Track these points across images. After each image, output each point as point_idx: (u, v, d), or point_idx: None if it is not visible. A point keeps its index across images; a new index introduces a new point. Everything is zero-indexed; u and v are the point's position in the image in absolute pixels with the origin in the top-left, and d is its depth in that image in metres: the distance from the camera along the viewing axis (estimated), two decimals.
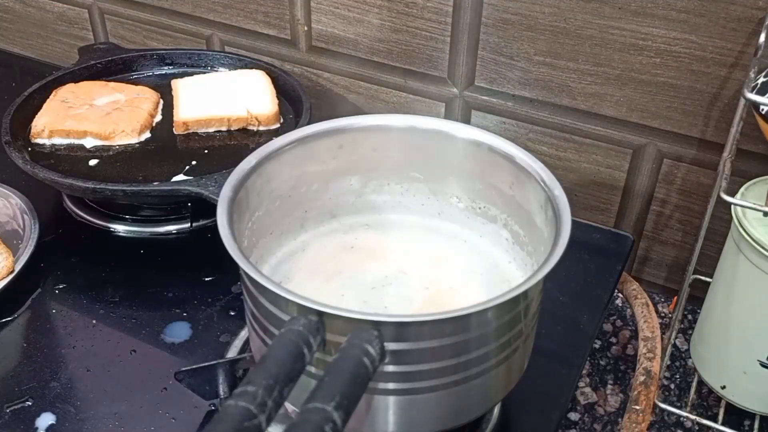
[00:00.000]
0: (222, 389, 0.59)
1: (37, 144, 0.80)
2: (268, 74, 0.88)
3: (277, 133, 0.82)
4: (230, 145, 0.81)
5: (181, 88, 0.86)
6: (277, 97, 0.85)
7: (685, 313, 0.79)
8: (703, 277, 0.73)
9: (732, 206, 0.62)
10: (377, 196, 0.64)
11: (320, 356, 0.46)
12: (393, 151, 0.62)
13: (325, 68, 0.92)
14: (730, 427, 0.67)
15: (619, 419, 0.68)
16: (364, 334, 0.44)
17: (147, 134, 0.81)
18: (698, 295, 0.73)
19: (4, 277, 0.69)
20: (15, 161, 0.75)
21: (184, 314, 0.69)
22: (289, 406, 0.55)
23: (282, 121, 0.84)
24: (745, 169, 0.71)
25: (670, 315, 0.80)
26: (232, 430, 0.37)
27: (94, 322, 0.68)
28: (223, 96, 0.85)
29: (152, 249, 0.77)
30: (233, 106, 0.83)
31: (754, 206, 0.59)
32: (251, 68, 0.90)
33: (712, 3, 0.67)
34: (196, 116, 0.82)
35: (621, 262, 0.75)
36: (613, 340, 0.76)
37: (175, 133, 0.82)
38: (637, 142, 0.77)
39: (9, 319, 0.68)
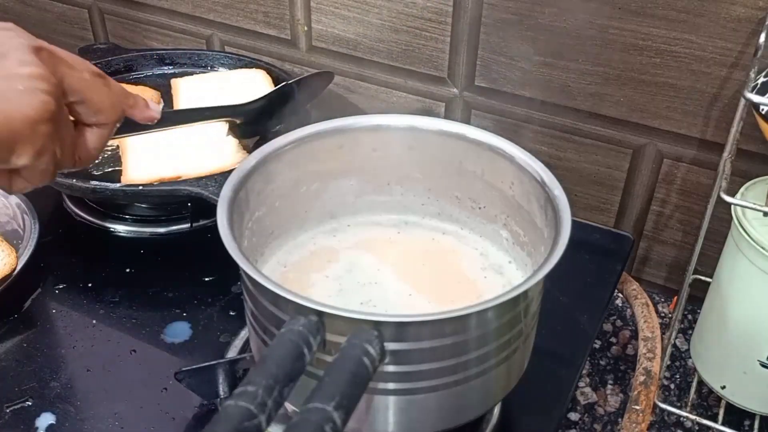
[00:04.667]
0: (222, 389, 0.59)
1: None
2: (268, 74, 0.88)
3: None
4: None
5: (181, 87, 0.86)
6: None
7: (685, 313, 0.79)
8: (703, 277, 0.73)
9: (732, 206, 0.62)
10: (377, 196, 0.64)
11: (320, 356, 0.46)
12: (393, 151, 0.62)
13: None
14: (730, 427, 0.67)
15: (619, 419, 0.68)
16: (364, 334, 0.44)
17: None
18: (698, 295, 0.73)
19: (8, 274, 0.69)
20: None
21: (184, 314, 0.69)
22: (289, 406, 0.55)
23: None
24: (745, 169, 0.71)
25: (670, 315, 0.80)
26: (232, 430, 0.37)
27: (94, 322, 0.68)
28: (221, 94, 0.84)
29: (152, 249, 0.77)
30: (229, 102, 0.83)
31: (754, 206, 0.59)
32: (251, 68, 0.90)
33: (712, 3, 0.67)
34: None
35: (621, 262, 0.75)
36: (613, 340, 0.76)
37: None
38: (637, 142, 0.77)
39: (9, 319, 0.68)
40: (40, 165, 0.43)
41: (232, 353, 0.64)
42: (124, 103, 0.49)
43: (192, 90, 0.86)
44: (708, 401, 0.72)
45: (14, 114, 0.40)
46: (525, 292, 0.47)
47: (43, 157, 0.42)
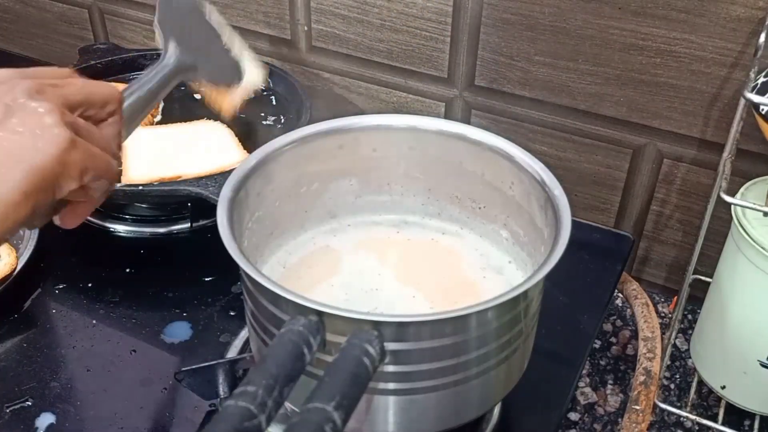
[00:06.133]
0: (222, 389, 0.59)
1: None
2: (268, 74, 0.88)
3: None
4: None
5: None
6: (277, 97, 0.85)
7: (685, 313, 0.79)
8: (703, 277, 0.73)
9: (732, 206, 0.62)
10: (377, 196, 0.64)
11: (320, 356, 0.46)
12: (393, 151, 0.62)
13: (325, 68, 0.92)
14: (730, 427, 0.67)
15: (619, 419, 0.68)
16: (364, 334, 0.44)
17: None
18: (698, 295, 0.73)
19: (8, 274, 0.69)
20: None
21: (184, 314, 0.69)
22: (289, 406, 0.55)
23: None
24: (745, 169, 0.71)
25: (670, 315, 0.80)
26: (232, 430, 0.37)
27: (94, 322, 0.68)
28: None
29: (152, 249, 0.77)
30: None
31: (754, 206, 0.59)
32: None
33: (712, 3, 0.67)
34: None
35: (621, 262, 0.75)
36: (613, 340, 0.76)
37: None
38: (637, 142, 0.77)
39: (9, 319, 0.68)
40: (90, 182, 0.44)
41: (232, 353, 0.64)
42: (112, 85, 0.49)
43: None
44: (708, 401, 0.72)
45: (41, 162, 0.40)
46: (525, 292, 0.47)
47: (88, 173, 0.43)
